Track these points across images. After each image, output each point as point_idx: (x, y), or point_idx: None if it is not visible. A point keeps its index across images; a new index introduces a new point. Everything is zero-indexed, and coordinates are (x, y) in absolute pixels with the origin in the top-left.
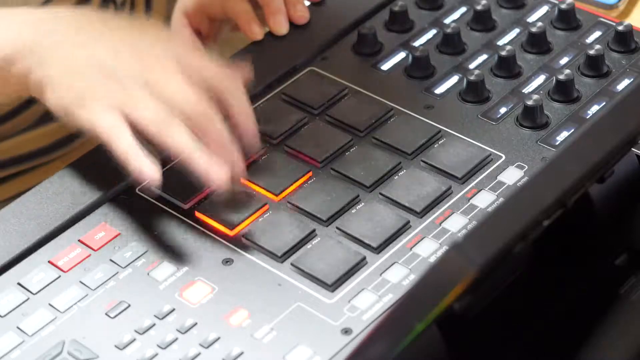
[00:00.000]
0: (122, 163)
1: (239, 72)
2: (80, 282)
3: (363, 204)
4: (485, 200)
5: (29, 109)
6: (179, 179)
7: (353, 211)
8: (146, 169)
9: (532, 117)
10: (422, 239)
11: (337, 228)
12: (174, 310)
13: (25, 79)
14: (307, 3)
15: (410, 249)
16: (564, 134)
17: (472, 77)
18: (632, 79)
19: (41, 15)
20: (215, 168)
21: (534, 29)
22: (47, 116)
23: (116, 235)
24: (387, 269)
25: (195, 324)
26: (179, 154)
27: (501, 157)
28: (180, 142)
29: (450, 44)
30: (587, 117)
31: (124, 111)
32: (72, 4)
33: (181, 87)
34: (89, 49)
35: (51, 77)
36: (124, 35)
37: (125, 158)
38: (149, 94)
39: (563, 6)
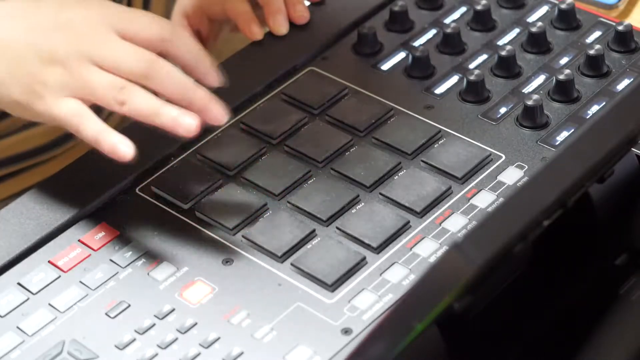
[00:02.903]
0: (94, 146)
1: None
2: (80, 282)
3: (363, 204)
4: (485, 200)
5: None
6: (179, 179)
7: (353, 211)
8: (120, 146)
9: (532, 117)
10: (422, 239)
11: (337, 228)
12: (174, 310)
13: None
14: (307, 3)
15: (410, 249)
16: (564, 134)
17: (472, 77)
18: (632, 79)
19: None
20: (183, 117)
21: (534, 29)
22: None
23: (116, 235)
24: (387, 269)
25: (195, 324)
26: (145, 118)
27: (501, 157)
28: (142, 104)
29: (450, 44)
30: (587, 117)
31: (79, 93)
32: None
33: (124, 50)
34: (21, 36)
35: None
36: (53, 12)
37: (96, 141)
38: (96, 69)
39: (563, 6)
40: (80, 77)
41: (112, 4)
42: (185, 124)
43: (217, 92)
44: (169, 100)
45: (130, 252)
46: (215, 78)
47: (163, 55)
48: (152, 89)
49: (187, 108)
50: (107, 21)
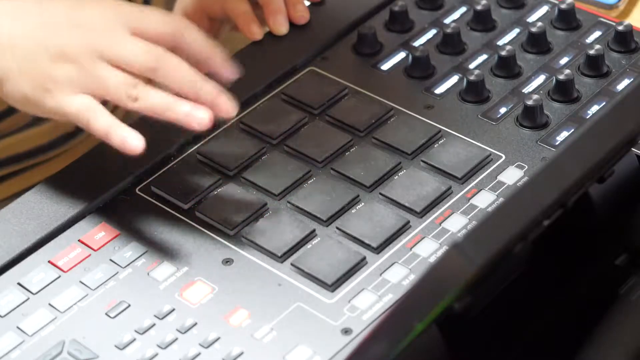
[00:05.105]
0: (104, 139)
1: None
2: (80, 282)
3: (363, 204)
4: (485, 200)
5: None
6: (179, 179)
7: (353, 211)
8: (129, 138)
9: (532, 117)
10: (422, 239)
11: (337, 228)
12: (174, 310)
13: None
14: (307, 3)
15: (410, 249)
16: (564, 134)
17: (472, 77)
18: (632, 79)
19: None
20: (196, 111)
21: (534, 29)
22: None
23: (116, 235)
24: (387, 269)
25: (195, 324)
26: (158, 113)
27: (501, 157)
28: (154, 101)
29: (450, 44)
30: (587, 117)
31: (90, 89)
32: None
33: (133, 45)
34: (32, 33)
35: (4, 70)
36: (66, 12)
37: (107, 134)
38: (107, 65)
39: (563, 6)
40: (91, 74)
41: (124, 3)
42: (198, 117)
43: None
44: (178, 95)
45: (130, 252)
46: (229, 70)
47: (176, 51)
48: (160, 82)
49: (195, 102)
50: (119, 19)
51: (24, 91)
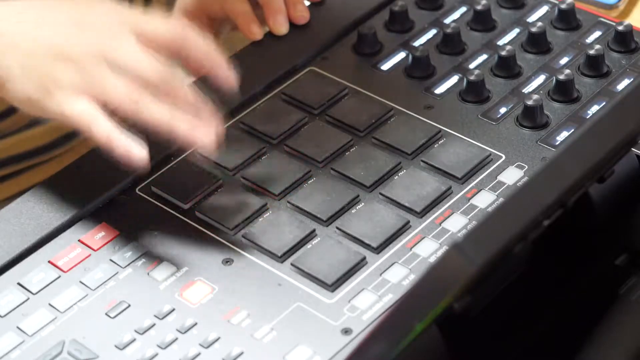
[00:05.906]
0: (106, 148)
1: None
2: (80, 282)
3: (363, 204)
4: (485, 200)
5: None
6: (179, 179)
7: (353, 211)
8: (134, 150)
9: (532, 117)
10: (422, 239)
11: (337, 228)
12: (174, 310)
13: None
14: (307, 3)
15: (410, 249)
16: (564, 134)
17: (472, 77)
18: (632, 79)
19: None
20: (199, 128)
21: (534, 29)
22: None
23: (116, 235)
24: (387, 269)
25: (195, 324)
26: (158, 126)
27: (501, 157)
28: (157, 114)
29: (450, 44)
30: (587, 117)
31: (92, 94)
32: None
33: (138, 56)
34: (36, 33)
35: (6, 70)
36: (68, 12)
37: (109, 142)
38: (111, 70)
39: (563, 6)
40: (94, 77)
41: (126, 8)
42: (202, 133)
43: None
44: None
45: (130, 252)
46: (231, 78)
47: (178, 55)
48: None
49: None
50: (124, 22)
51: (27, 92)
